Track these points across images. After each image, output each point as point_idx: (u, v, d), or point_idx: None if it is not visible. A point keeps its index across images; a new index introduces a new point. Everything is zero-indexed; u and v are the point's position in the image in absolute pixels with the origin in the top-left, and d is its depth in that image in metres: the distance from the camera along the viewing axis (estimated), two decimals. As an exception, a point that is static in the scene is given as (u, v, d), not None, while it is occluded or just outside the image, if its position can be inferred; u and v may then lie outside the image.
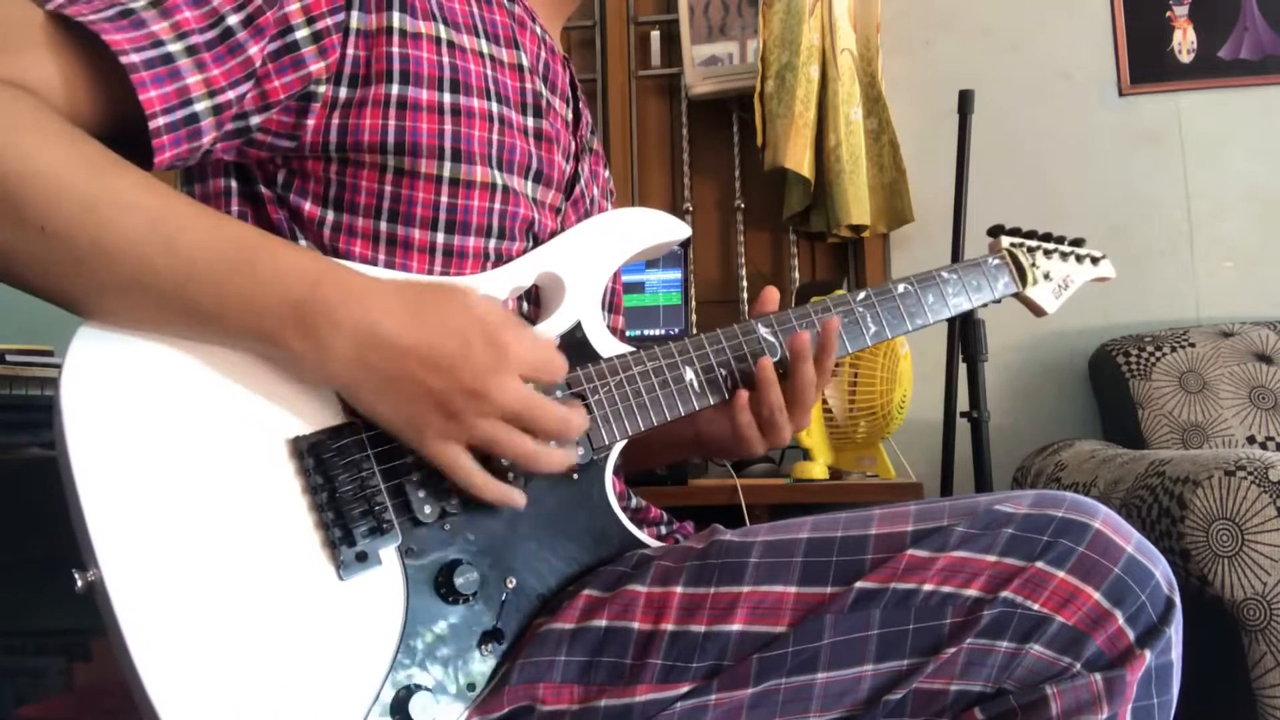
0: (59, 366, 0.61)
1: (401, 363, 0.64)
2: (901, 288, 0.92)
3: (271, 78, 0.69)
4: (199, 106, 0.66)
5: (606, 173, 1.01)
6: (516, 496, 0.69)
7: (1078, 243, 1.11)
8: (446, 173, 0.76)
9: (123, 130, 0.65)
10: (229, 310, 0.63)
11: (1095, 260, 1.12)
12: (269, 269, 0.63)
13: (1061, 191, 2.22)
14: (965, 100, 1.68)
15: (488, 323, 0.66)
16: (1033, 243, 1.06)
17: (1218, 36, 2.23)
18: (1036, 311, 1.06)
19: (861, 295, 0.91)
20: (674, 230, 0.88)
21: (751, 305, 0.92)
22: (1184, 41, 2.24)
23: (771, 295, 0.90)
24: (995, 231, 1.07)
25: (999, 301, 1.04)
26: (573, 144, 0.92)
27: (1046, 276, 1.05)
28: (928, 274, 0.95)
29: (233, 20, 0.67)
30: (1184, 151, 2.22)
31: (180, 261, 0.61)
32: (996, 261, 1.01)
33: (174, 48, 0.65)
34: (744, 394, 0.83)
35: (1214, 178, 2.20)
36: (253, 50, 0.68)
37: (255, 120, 0.71)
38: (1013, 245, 1.05)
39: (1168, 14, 2.25)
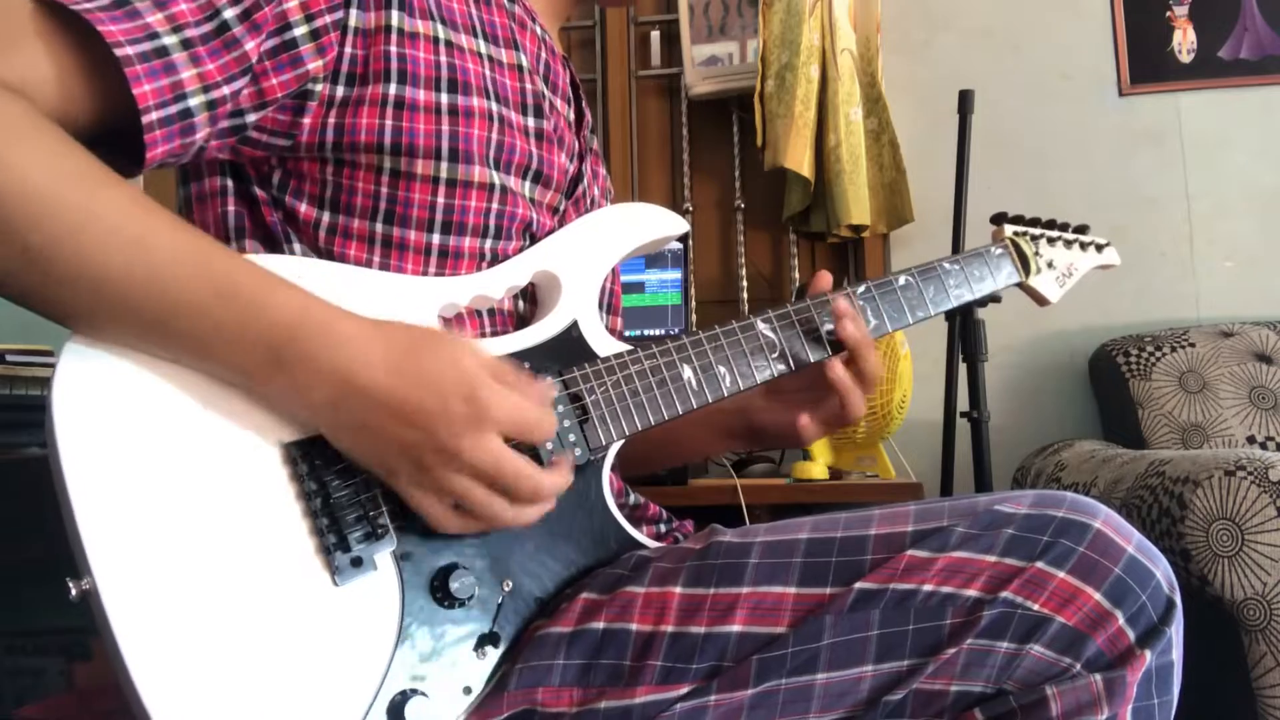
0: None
1: (375, 414, 0.63)
2: (903, 279, 0.91)
3: (269, 75, 0.69)
4: (193, 102, 0.65)
5: (604, 172, 1.01)
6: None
7: (1081, 230, 1.09)
8: (443, 174, 0.75)
9: (115, 123, 0.64)
10: (209, 346, 0.62)
11: (1099, 248, 1.10)
12: (250, 309, 0.62)
13: (1061, 191, 2.22)
14: (965, 100, 1.68)
15: (470, 379, 0.64)
16: (1036, 230, 1.04)
17: (1218, 36, 2.23)
18: (1040, 301, 1.04)
19: (861, 288, 0.89)
20: (671, 225, 0.87)
21: (752, 305, 0.92)
22: (1184, 41, 2.24)
23: (824, 278, 0.91)
24: (998, 219, 1.05)
25: (999, 299, 1.03)
26: (576, 144, 0.91)
27: (1050, 265, 1.04)
28: (929, 265, 0.93)
29: (229, 14, 0.66)
30: (1184, 151, 2.22)
31: (162, 296, 0.60)
32: (999, 251, 1.00)
33: (169, 40, 0.64)
34: (837, 365, 0.85)
35: (1214, 178, 2.20)
36: (249, 46, 0.67)
37: (251, 118, 0.70)
38: (1016, 234, 1.03)
39: (1168, 14, 2.25)
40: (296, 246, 0.75)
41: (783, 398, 0.93)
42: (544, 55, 0.88)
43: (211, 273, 0.62)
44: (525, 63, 0.84)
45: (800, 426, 0.89)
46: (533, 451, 0.70)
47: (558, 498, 0.70)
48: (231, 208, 0.76)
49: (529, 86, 0.83)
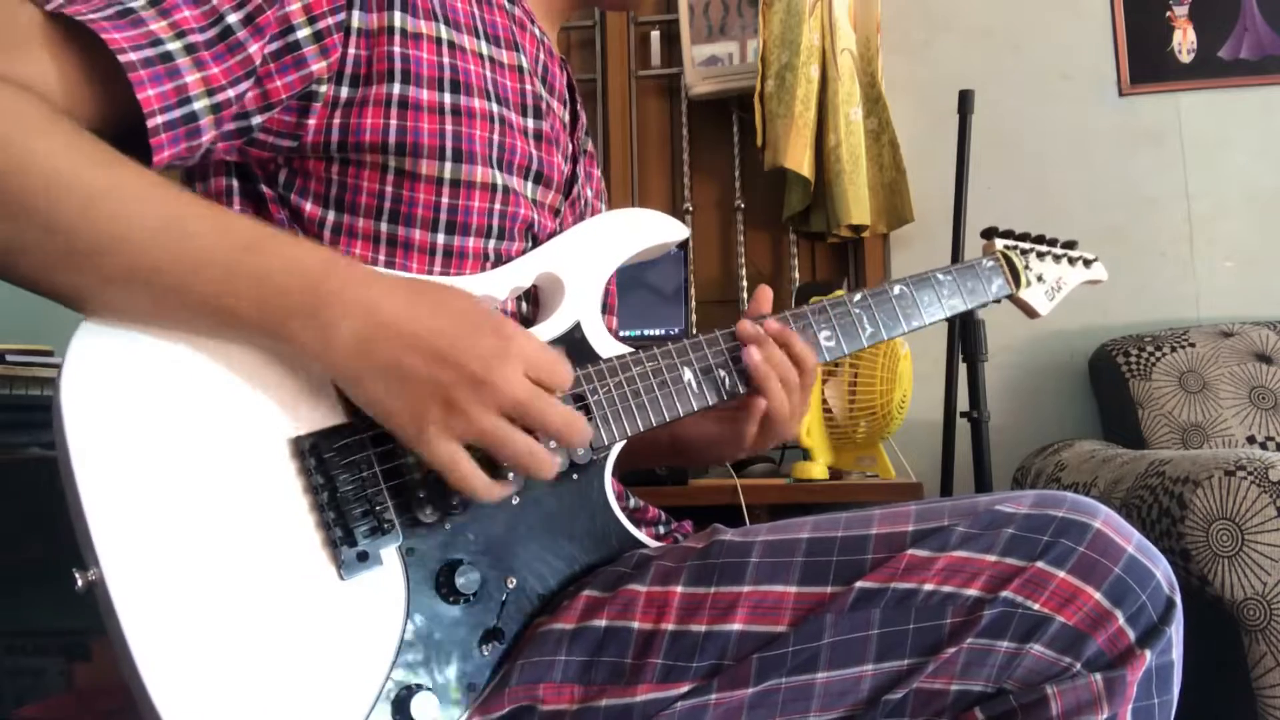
0: (59, 366, 0.61)
1: (405, 349, 0.63)
2: (897, 289, 0.93)
3: (273, 77, 0.70)
4: (197, 105, 0.66)
5: (598, 173, 1.01)
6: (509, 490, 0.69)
7: (1070, 245, 1.12)
8: (447, 173, 0.76)
9: (122, 129, 0.65)
10: (236, 299, 0.62)
11: (1088, 263, 1.13)
12: (278, 257, 0.63)
13: (1061, 191, 2.22)
14: (965, 100, 1.69)
15: (494, 315, 0.67)
16: (1026, 245, 1.07)
17: (1218, 36, 2.23)
18: (1029, 313, 1.07)
19: (858, 297, 0.91)
20: (672, 231, 0.88)
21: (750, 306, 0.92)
22: (1184, 41, 2.24)
23: (765, 295, 0.90)
24: (989, 234, 1.08)
25: (998, 302, 1.04)
26: (570, 145, 0.92)
27: (1039, 279, 1.07)
28: (923, 275, 0.95)
29: (232, 19, 0.67)
30: (1184, 151, 2.22)
31: (188, 251, 0.61)
32: (990, 264, 1.02)
33: (172, 46, 0.65)
34: (759, 401, 0.83)
35: (1214, 178, 2.20)
36: (253, 49, 0.68)
37: (257, 120, 0.71)
38: (1006, 248, 1.05)
39: (1168, 14, 2.25)
40: None
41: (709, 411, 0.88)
42: (542, 57, 0.88)
43: (236, 230, 0.64)
44: (525, 64, 0.84)
45: (745, 432, 0.86)
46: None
47: (561, 497, 0.70)
48: (237, 207, 0.76)
49: (528, 88, 0.84)
